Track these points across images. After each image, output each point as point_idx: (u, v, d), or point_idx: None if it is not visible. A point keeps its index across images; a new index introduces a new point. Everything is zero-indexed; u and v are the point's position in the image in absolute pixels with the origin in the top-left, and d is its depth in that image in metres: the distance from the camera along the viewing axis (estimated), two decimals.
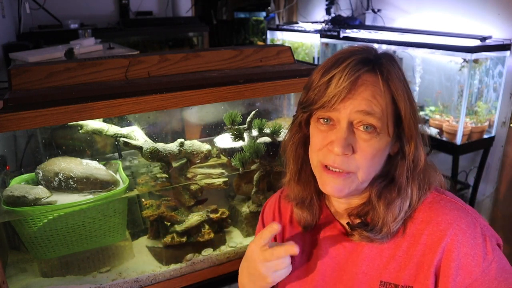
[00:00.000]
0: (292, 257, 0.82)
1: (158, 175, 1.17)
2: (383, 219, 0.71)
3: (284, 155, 0.83)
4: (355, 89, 0.67)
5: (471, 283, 0.65)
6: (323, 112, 0.70)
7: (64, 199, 1.03)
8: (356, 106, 0.67)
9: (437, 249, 0.67)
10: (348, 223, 0.77)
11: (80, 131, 1.11)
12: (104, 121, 1.15)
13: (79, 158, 1.11)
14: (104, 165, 1.16)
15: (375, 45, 0.75)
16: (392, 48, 2.34)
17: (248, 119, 1.16)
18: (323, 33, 2.97)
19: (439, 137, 2.23)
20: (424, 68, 2.39)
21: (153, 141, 1.16)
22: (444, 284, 0.66)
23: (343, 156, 0.68)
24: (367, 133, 0.68)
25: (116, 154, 1.27)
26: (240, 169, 1.15)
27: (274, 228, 0.72)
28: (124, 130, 1.16)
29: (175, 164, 1.18)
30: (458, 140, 2.13)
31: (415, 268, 0.69)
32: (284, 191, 0.89)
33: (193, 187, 1.21)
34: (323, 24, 3.19)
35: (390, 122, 0.69)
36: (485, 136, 2.24)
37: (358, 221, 0.76)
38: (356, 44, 0.90)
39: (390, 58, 0.71)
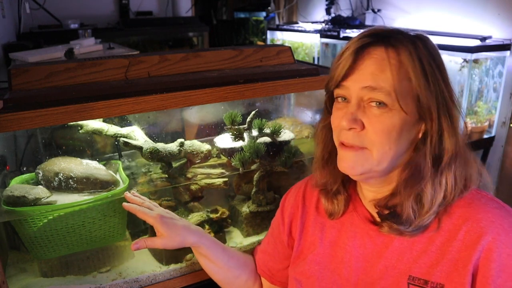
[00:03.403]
0: (315, 244, 0.82)
1: (158, 175, 1.17)
2: (413, 211, 0.67)
3: (314, 139, 0.82)
4: (361, 63, 0.67)
5: None
6: (337, 91, 0.71)
7: (64, 199, 1.03)
8: (362, 82, 0.66)
9: (475, 247, 0.64)
10: (378, 213, 0.74)
11: (80, 131, 1.11)
12: (104, 121, 1.15)
13: (79, 158, 1.11)
14: (104, 165, 1.16)
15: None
16: None
17: (248, 119, 1.16)
18: (323, 33, 2.98)
19: None
20: None
21: (153, 141, 1.16)
22: (483, 285, 0.63)
23: (354, 131, 0.67)
24: (377, 109, 0.66)
25: (116, 154, 1.27)
26: (240, 169, 1.15)
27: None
28: (124, 130, 1.16)
29: (175, 164, 1.18)
30: None
31: (449, 265, 0.66)
32: (312, 178, 0.87)
33: (193, 187, 1.21)
34: (323, 24, 3.19)
35: (405, 98, 0.65)
36: (485, 136, 2.24)
37: (387, 212, 0.72)
38: None
39: (414, 37, 0.68)
